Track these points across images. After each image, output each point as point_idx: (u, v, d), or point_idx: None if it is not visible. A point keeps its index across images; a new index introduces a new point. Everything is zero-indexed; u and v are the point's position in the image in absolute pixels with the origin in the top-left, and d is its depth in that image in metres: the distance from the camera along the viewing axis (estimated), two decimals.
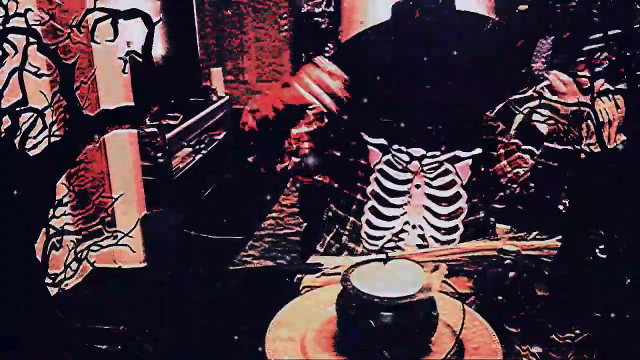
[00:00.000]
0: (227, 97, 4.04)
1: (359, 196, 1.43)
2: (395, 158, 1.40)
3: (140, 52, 0.68)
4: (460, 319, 0.95)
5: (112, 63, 2.10)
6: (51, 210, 0.70)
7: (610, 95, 1.71)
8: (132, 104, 0.74)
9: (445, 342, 0.95)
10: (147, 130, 2.43)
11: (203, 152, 3.66)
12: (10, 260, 0.69)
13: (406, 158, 1.39)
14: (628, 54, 0.71)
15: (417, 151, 1.38)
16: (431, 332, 0.93)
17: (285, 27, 4.60)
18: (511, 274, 1.01)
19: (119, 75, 2.39)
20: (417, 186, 1.39)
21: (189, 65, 3.99)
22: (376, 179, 1.41)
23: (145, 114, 0.74)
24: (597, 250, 0.79)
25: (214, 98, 3.89)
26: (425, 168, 1.39)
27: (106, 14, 0.67)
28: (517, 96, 1.34)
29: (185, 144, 3.46)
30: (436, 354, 0.93)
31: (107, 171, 2.72)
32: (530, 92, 1.30)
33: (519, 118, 1.29)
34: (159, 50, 3.36)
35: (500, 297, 1.00)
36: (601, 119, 1.71)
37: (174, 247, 2.87)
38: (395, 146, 1.39)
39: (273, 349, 0.95)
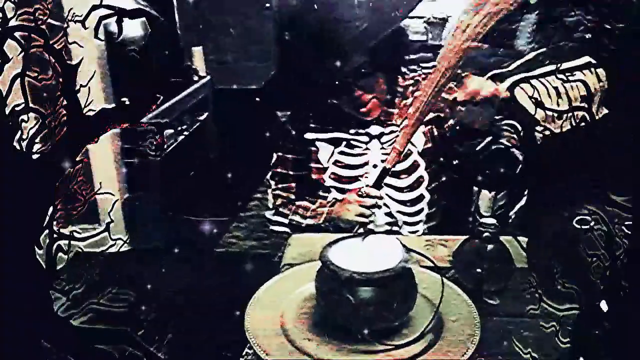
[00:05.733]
0: (209, 77, 3.99)
1: (320, 192, 1.42)
2: (353, 142, 1.38)
3: (115, 30, 0.67)
4: (439, 292, 0.95)
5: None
6: (51, 210, 0.69)
7: (592, 68, 1.70)
8: (130, 100, 0.73)
9: (425, 315, 0.95)
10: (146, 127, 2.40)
11: (185, 133, 3.62)
12: (10, 261, 0.68)
13: (365, 139, 1.38)
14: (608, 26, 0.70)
15: (375, 129, 1.37)
16: (410, 306, 0.93)
17: (268, 5, 4.53)
18: (490, 246, 1.01)
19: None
20: (375, 166, 1.39)
21: (169, 44, 3.92)
22: (333, 174, 1.40)
23: (145, 111, 0.74)
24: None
25: (195, 78, 3.84)
26: (384, 145, 1.38)
27: (111, 11, 0.65)
28: (498, 70, 1.33)
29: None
30: (415, 327, 0.94)
31: (87, 155, 2.68)
32: (513, 66, 1.28)
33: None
34: (138, 29, 3.31)
35: (479, 270, 1.01)
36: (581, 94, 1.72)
37: (157, 230, 2.85)
38: (352, 130, 1.38)
39: (253, 326, 0.94)
